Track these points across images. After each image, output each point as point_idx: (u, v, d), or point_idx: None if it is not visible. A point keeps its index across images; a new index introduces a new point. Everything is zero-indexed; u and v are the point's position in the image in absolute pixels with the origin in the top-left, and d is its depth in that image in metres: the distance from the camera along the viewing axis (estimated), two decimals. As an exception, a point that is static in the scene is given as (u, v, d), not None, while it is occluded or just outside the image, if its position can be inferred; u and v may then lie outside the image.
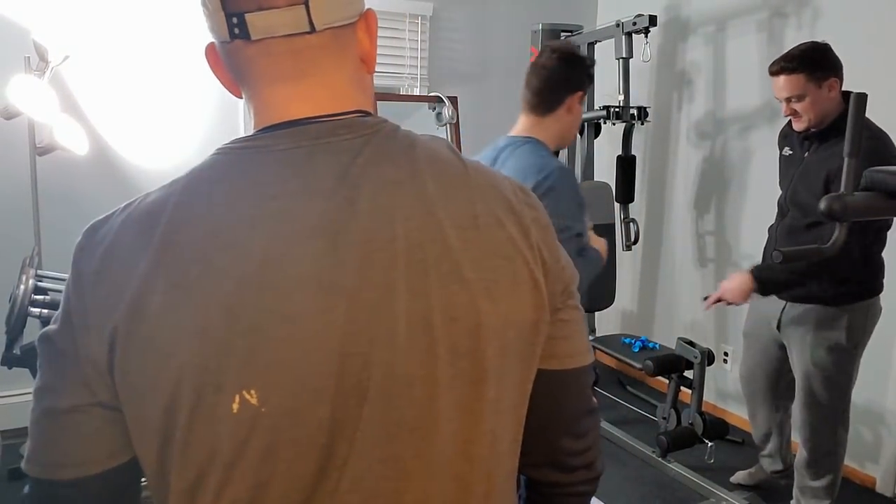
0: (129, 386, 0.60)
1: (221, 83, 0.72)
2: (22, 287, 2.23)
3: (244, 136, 0.68)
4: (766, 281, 2.17)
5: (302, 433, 0.60)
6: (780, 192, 2.35)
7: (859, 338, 2.18)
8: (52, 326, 0.65)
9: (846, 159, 1.85)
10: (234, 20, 0.63)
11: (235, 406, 0.58)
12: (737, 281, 2.21)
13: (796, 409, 2.37)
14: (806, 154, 2.21)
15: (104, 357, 0.60)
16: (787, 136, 2.33)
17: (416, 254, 0.62)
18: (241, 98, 0.72)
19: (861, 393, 2.84)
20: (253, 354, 0.58)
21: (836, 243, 1.93)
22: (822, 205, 1.69)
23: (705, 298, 2.40)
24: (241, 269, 0.59)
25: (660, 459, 2.75)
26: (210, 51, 0.70)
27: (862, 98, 1.83)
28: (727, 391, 3.48)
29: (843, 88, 2.14)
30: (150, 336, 0.59)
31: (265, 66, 0.65)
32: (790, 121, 2.22)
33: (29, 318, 2.25)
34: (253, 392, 0.58)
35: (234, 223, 0.60)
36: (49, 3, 2.88)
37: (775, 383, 2.50)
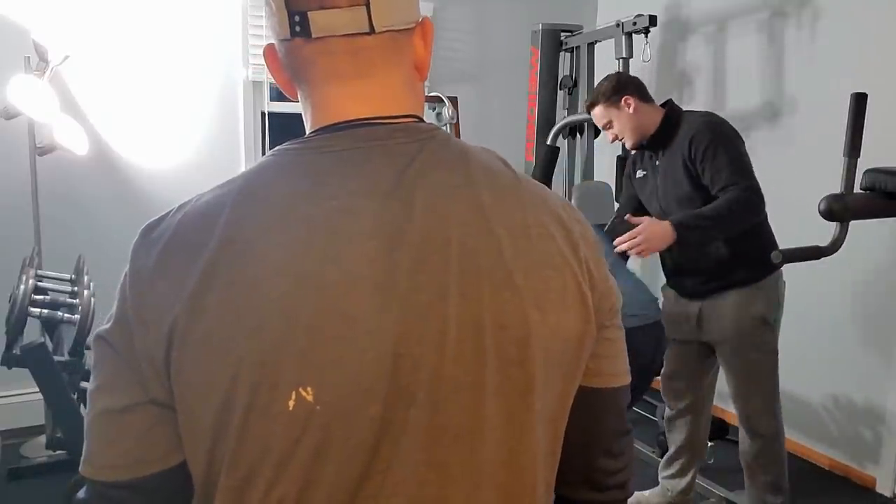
0: (185, 383, 0.60)
1: (278, 83, 0.72)
2: (22, 287, 2.23)
3: (300, 138, 0.68)
4: (686, 233, 2.08)
5: (353, 433, 0.60)
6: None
7: (776, 312, 2.30)
8: (105, 326, 0.65)
9: (845, 159, 1.85)
10: (297, 18, 0.64)
11: (291, 403, 0.59)
12: (661, 228, 2.09)
13: (735, 402, 2.42)
14: (657, 162, 2.33)
15: (161, 354, 0.61)
16: (634, 161, 2.49)
17: (469, 259, 0.62)
18: (296, 100, 0.72)
19: (861, 393, 2.85)
20: (310, 352, 0.59)
21: (836, 243, 1.94)
22: (822, 205, 1.69)
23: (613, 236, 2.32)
24: (299, 268, 0.60)
25: (660, 459, 2.74)
26: (269, 52, 0.70)
27: (862, 98, 1.84)
28: (727, 391, 3.47)
29: (844, 89, 2.14)
30: (208, 333, 0.59)
31: (324, 64, 0.66)
32: (625, 148, 2.50)
33: (29, 318, 2.26)
34: (309, 389, 0.59)
35: (293, 222, 0.61)
36: (49, 3, 2.89)
37: (699, 384, 2.53)
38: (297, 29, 0.64)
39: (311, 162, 0.65)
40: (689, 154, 2.18)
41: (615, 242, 2.15)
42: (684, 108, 2.33)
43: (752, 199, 2.07)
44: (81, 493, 0.67)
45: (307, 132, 0.69)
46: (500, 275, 0.63)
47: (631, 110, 2.30)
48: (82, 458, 0.65)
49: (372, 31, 0.64)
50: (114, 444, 0.64)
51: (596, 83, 3.33)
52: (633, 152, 2.46)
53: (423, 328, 0.61)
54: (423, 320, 0.61)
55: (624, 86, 2.33)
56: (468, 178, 0.66)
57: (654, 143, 2.31)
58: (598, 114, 2.38)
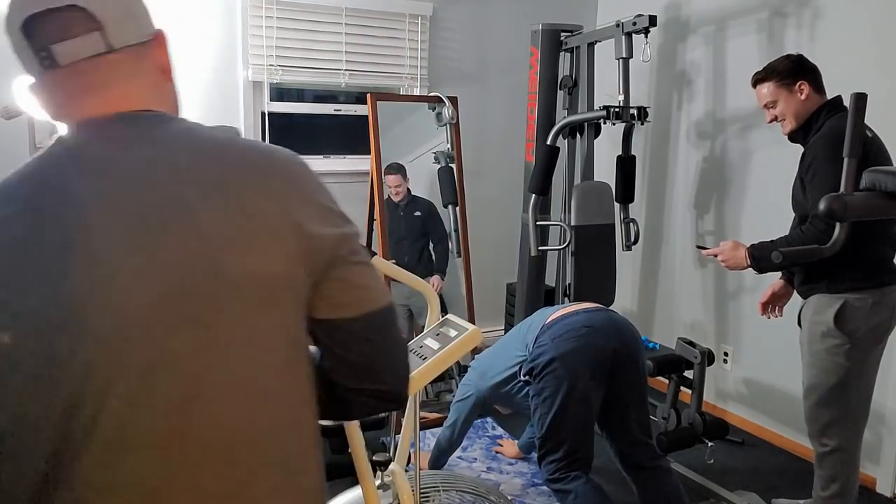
0: None
1: (48, 114, 0.83)
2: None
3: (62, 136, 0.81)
4: (760, 259, 2.22)
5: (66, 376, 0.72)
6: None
7: (850, 328, 2.17)
8: None
9: (845, 159, 1.85)
10: (43, 54, 0.77)
11: None
12: (739, 254, 2.27)
13: None
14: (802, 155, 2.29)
15: None
16: None
17: (156, 213, 0.73)
18: (64, 125, 0.83)
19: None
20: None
21: (837, 243, 1.94)
22: (822, 205, 1.69)
23: (699, 247, 2.56)
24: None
25: (660, 459, 2.74)
26: (34, 90, 0.81)
27: (862, 98, 1.84)
28: (727, 391, 3.48)
29: (845, 89, 2.15)
30: None
31: (77, 84, 0.79)
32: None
33: None
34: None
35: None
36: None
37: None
38: (47, 63, 0.77)
39: (59, 155, 0.78)
40: (802, 162, 2.19)
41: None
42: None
43: (822, 238, 2.02)
44: None
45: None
46: (186, 225, 0.73)
47: (803, 97, 2.23)
48: None
49: (111, 49, 0.79)
50: None
51: (596, 83, 3.35)
52: None
53: (110, 280, 0.70)
54: (111, 274, 0.70)
55: (804, 70, 2.25)
56: (169, 149, 0.78)
57: (794, 136, 2.29)
58: (766, 92, 2.29)
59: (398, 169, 3.34)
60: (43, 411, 0.69)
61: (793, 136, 2.31)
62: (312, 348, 0.87)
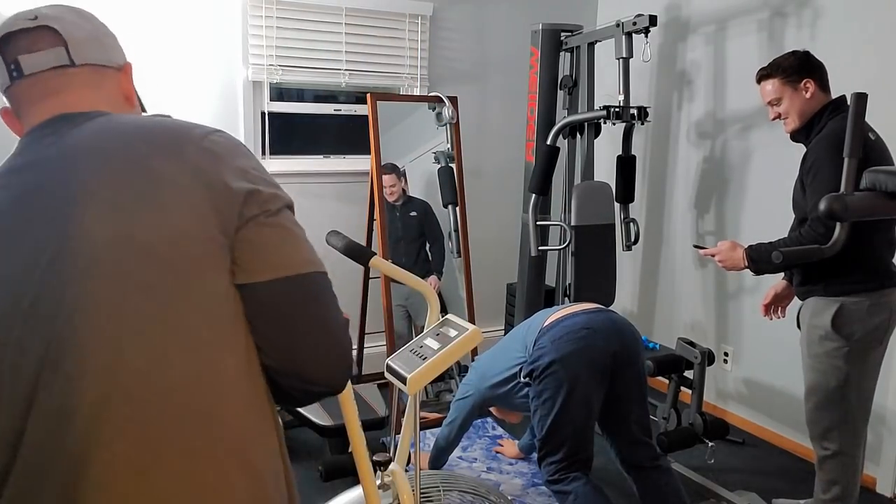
0: None
1: (14, 130, 0.92)
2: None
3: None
4: (758, 261, 2.22)
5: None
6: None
7: (848, 331, 2.16)
8: None
9: (845, 159, 1.85)
10: (13, 66, 0.88)
11: None
12: (736, 255, 2.27)
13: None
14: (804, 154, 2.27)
15: None
16: None
17: (61, 189, 0.78)
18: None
19: (861, 393, 2.84)
20: None
21: (837, 243, 1.93)
22: (822, 205, 1.69)
23: (696, 247, 2.57)
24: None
25: (660, 459, 2.74)
26: (4, 115, 0.92)
27: (862, 98, 1.84)
28: (727, 391, 3.48)
29: (845, 90, 2.15)
30: None
31: (38, 90, 0.88)
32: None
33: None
34: None
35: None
36: (49, 3, 2.88)
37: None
38: (15, 74, 0.88)
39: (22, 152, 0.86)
40: (803, 164, 2.17)
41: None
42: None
43: (821, 241, 2.02)
44: None
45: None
46: (99, 201, 0.77)
47: (808, 95, 2.20)
48: None
49: (73, 63, 0.89)
50: None
51: (596, 83, 3.35)
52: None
53: (33, 256, 0.76)
54: (33, 252, 0.76)
55: (810, 67, 2.21)
56: (94, 135, 0.83)
57: (796, 135, 2.27)
58: (771, 89, 2.25)
59: (392, 169, 3.34)
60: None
61: (795, 136, 2.29)
62: None
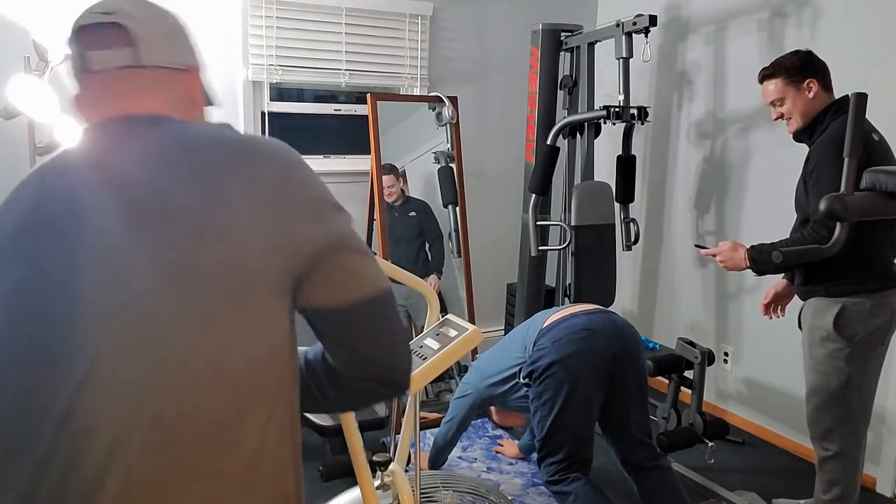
0: None
1: (79, 119, 0.92)
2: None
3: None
4: (759, 261, 2.21)
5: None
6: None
7: (849, 332, 2.16)
8: None
9: (846, 159, 1.85)
10: (81, 59, 0.89)
11: None
12: (738, 255, 2.26)
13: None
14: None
15: None
16: None
17: (138, 206, 0.78)
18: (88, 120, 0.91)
19: (861, 393, 2.84)
20: None
21: (837, 243, 1.94)
22: (823, 204, 1.69)
23: (697, 246, 2.56)
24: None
25: (660, 459, 2.74)
26: (72, 100, 0.92)
27: (862, 98, 1.84)
28: (727, 391, 3.48)
29: (846, 90, 2.14)
30: None
31: (103, 89, 0.89)
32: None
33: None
34: None
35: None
36: (49, 3, 2.89)
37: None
38: (81, 67, 0.89)
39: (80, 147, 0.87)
40: (806, 165, 2.17)
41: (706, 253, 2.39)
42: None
43: (822, 242, 2.02)
44: None
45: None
46: (164, 216, 0.77)
47: (811, 95, 2.19)
48: None
49: (141, 64, 0.88)
50: None
51: (596, 83, 3.35)
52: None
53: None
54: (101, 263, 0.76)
55: (812, 67, 2.20)
56: (159, 144, 0.83)
57: (799, 135, 2.26)
58: (773, 89, 2.24)
59: (391, 169, 3.34)
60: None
61: (798, 136, 2.27)
62: (302, 349, 0.88)
